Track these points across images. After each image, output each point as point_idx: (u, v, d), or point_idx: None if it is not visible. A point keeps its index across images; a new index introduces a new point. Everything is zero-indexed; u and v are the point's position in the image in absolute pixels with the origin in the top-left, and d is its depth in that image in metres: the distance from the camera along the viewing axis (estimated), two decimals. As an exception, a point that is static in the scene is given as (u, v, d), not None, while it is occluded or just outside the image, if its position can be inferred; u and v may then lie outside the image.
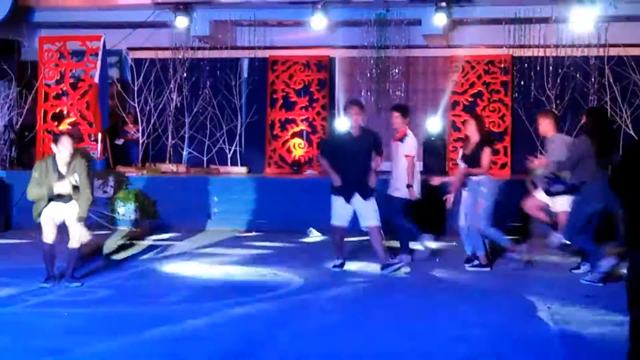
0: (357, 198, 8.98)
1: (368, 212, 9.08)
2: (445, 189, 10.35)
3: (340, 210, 9.10)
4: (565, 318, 6.82)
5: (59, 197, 8.20)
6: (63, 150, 7.99)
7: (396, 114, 9.68)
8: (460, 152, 9.82)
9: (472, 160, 9.09)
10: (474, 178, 9.08)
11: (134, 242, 11.72)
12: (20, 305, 7.22)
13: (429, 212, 10.82)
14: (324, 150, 10.09)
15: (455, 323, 6.60)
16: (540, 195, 9.53)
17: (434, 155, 14.93)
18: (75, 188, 8.20)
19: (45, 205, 8.23)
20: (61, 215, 8.31)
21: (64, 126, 14.76)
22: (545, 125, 9.27)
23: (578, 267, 9.08)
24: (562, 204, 9.16)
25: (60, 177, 8.03)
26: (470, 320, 6.84)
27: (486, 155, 9.14)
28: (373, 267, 9.50)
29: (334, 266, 9.42)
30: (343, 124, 13.74)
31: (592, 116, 8.95)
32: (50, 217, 8.24)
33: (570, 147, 8.81)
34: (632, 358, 4.34)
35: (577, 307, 7.34)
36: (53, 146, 8.19)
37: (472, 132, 9.18)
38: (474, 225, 9.07)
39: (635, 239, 4.13)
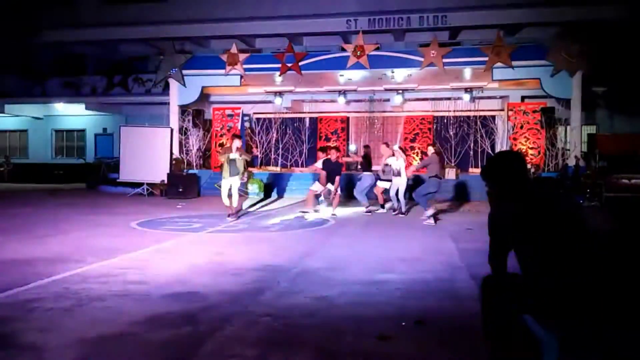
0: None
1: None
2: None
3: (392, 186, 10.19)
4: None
5: (230, 173, 9.07)
6: (234, 142, 9.43)
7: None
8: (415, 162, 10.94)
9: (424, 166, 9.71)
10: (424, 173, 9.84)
11: (257, 203, 12.99)
12: (203, 232, 8.05)
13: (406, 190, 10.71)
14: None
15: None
16: (381, 183, 10.53)
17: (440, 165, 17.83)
18: (234, 164, 8.98)
19: (223, 179, 9.20)
20: (228, 184, 9.27)
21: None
22: (428, 150, 9.88)
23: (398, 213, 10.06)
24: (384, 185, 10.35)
25: (232, 155, 9.20)
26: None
27: (423, 163, 9.83)
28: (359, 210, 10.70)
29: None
30: (351, 149, 17.04)
31: (434, 145, 10.11)
32: (225, 186, 9.27)
33: (428, 160, 9.62)
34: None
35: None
36: (235, 141, 9.39)
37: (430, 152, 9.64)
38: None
39: (491, 204, 2.85)
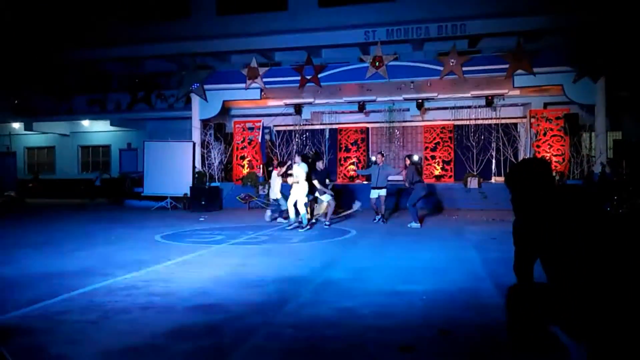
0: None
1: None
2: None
3: (373, 194, 10.96)
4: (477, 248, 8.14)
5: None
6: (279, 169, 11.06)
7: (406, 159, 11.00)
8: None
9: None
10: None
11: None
12: (226, 244, 8.22)
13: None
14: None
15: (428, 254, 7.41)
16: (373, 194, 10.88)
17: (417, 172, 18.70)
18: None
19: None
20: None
21: (245, 162, 17.03)
22: (406, 162, 10.65)
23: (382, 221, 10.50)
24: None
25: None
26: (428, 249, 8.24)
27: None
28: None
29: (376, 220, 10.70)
30: (372, 160, 16.80)
31: (410, 158, 10.75)
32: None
33: (410, 171, 10.31)
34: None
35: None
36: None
37: (407, 163, 10.51)
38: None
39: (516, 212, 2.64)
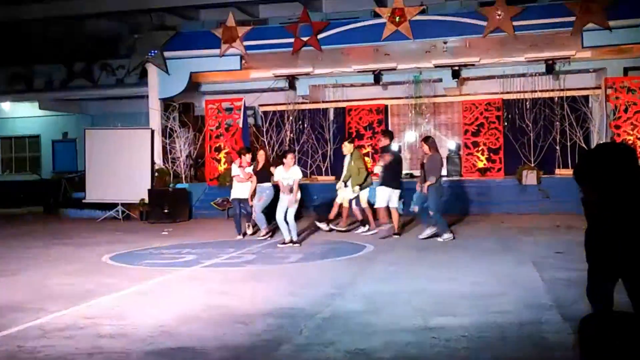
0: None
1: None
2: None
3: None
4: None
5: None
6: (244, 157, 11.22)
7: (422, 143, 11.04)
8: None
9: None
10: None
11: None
12: (198, 266, 8.47)
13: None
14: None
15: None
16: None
17: (453, 164, 17.84)
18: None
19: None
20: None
21: (221, 155, 17.04)
22: (425, 148, 10.47)
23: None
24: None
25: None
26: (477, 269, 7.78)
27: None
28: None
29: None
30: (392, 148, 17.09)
31: (432, 143, 10.54)
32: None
33: (435, 162, 10.31)
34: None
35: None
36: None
37: (426, 150, 10.44)
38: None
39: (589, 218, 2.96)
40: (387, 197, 10.60)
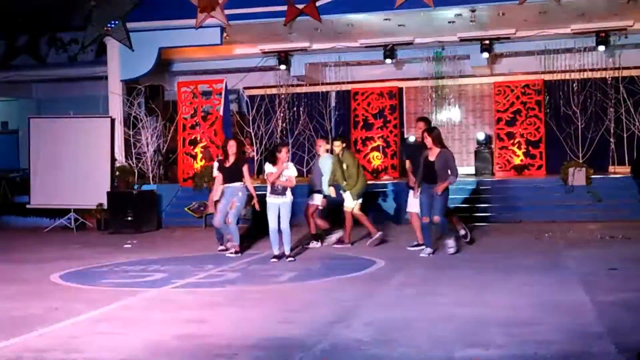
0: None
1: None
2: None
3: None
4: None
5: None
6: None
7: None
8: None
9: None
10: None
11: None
12: (169, 286, 8.44)
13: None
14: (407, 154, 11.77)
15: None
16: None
17: (483, 160, 18.06)
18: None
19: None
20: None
21: (198, 149, 17.38)
22: (429, 138, 10.41)
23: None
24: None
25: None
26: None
27: None
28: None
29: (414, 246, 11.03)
30: (411, 137, 16.60)
31: (432, 132, 10.51)
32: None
33: (445, 158, 10.44)
34: None
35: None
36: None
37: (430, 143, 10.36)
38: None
39: None
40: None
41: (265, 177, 10.61)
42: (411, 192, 11.05)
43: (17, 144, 22.63)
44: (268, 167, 10.52)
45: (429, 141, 10.41)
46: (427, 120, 11.59)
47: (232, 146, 11.21)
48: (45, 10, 21.12)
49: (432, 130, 10.70)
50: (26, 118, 18.27)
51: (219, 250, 11.54)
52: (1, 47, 20.91)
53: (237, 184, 11.07)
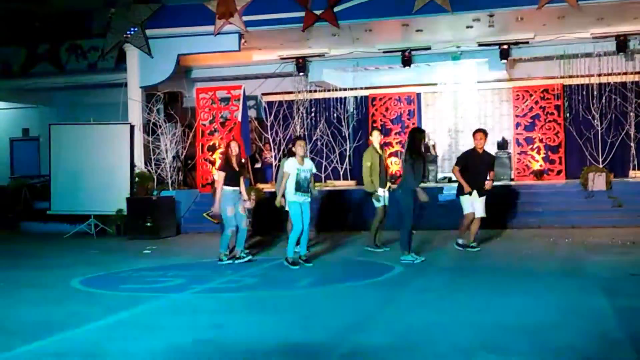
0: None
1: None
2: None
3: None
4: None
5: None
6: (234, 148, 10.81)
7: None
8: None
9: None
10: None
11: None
12: (188, 292, 8.42)
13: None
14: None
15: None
16: None
17: (502, 165, 17.43)
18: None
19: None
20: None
21: (217, 155, 17.44)
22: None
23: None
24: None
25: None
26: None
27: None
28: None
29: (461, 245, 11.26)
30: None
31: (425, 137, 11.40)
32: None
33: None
34: None
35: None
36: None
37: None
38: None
39: None
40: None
41: (282, 174, 10.32)
42: (466, 197, 11.23)
43: (38, 150, 22.79)
44: (291, 163, 10.09)
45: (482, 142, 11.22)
46: (485, 132, 11.60)
47: (234, 148, 10.98)
48: (65, 18, 21.33)
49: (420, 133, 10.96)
50: (47, 125, 18.33)
51: (229, 258, 11.08)
52: (22, 55, 20.99)
53: (242, 186, 11.01)
